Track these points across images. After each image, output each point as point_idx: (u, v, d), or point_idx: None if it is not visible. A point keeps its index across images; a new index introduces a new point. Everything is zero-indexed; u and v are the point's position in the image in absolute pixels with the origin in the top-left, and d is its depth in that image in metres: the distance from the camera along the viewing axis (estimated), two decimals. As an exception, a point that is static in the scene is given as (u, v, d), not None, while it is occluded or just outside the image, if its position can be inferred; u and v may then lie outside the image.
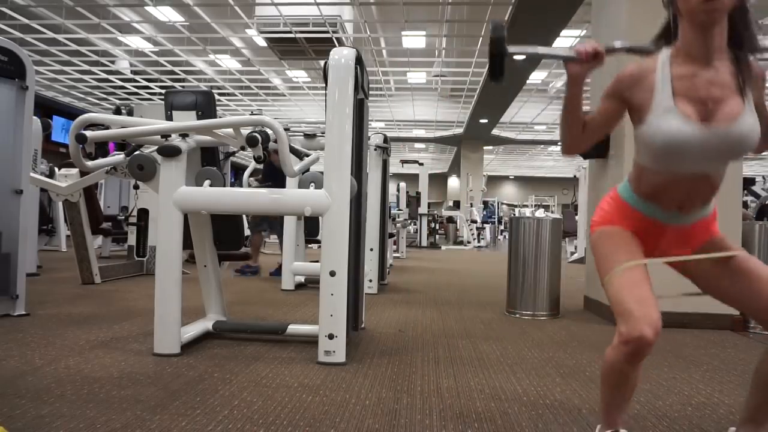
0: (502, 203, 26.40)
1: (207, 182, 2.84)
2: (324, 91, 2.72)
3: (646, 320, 1.29)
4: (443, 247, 14.75)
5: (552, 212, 21.34)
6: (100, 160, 3.90)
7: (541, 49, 1.57)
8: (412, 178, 16.88)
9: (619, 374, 1.41)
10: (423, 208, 13.97)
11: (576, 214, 10.99)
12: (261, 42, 10.58)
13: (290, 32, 9.50)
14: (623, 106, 1.46)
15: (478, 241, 15.60)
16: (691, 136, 1.33)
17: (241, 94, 15.38)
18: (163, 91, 10.73)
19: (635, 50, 1.53)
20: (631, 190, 1.54)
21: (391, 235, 7.81)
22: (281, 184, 4.99)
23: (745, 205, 7.64)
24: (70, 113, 14.90)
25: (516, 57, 1.45)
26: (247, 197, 2.97)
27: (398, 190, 11.99)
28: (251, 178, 6.53)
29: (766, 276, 1.44)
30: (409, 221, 13.23)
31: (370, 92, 3.66)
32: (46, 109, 13.99)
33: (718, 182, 1.45)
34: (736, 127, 1.33)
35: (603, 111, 1.49)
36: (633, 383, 1.45)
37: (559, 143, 1.61)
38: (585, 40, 9.65)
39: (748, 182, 7.81)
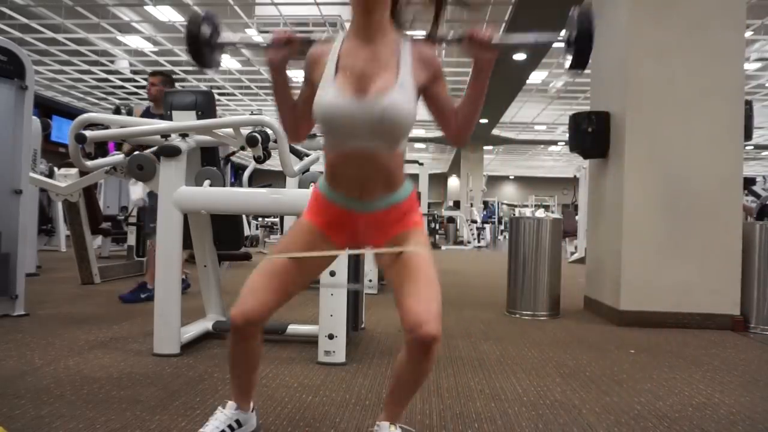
0: (502, 203, 26.40)
1: (207, 182, 2.84)
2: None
3: (243, 307, 1.47)
4: (443, 247, 14.75)
5: (552, 212, 21.34)
6: (100, 160, 3.90)
7: (235, 37, 1.59)
8: (412, 178, 16.85)
9: (232, 351, 1.57)
10: (423, 208, 13.96)
11: (576, 214, 10.98)
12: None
13: (469, 84, 9.51)
14: (313, 88, 1.48)
15: (478, 241, 15.60)
16: (342, 107, 1.38)
17: (241, 94, 15.38)
18: (162, 91, 10.70)
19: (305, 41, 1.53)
20: (324, 180, 1.56)
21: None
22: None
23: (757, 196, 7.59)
24: (70, 113, 14.89)
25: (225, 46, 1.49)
26: (247, 197, 2.97)
27: (398, 190, 11.97)
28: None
29: (414, 281, 1.47)
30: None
31: (370, 92, 3.65)
32: (45, 108, 13.98)
33: (388, 165, 1.47)
34: (382, 100, 1.37)
35: (301, 94, 1.54)
36: (249, 363, 1.60)
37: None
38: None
39: (748, 182, 7.80)
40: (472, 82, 1.47)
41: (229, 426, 1.62)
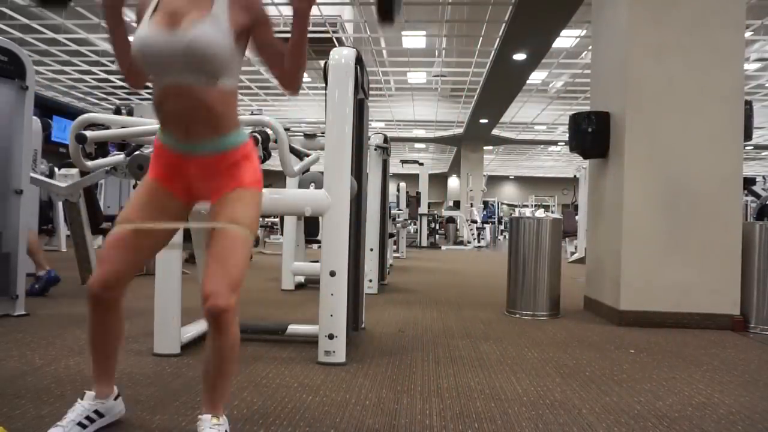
0: (502, 203, 26.40)
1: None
2: (324, 91, 2.72)
3: (97, 275, 1.54)
4: (443, 247, 14.75)
5: (552, 212, 21.34)
6: (100, 160, 3.90)
7: None
8: (412, 178, 16.88)
9: (91, 324, 1.60)
10: (423, 208, 13.96)
11: (576, 214, 10.98)
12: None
13: (290, 32, 9.50)
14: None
15: (478, 241, 15.59)
16: (153, 41, 1.45)
17: (241, 94, 15.38)
18: None
19: None
20: (159, 125, 1.60)
21: (391, 235, 7.80)
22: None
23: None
24: (70, 113, 14.89)
25: None
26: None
27: (398, 190, 11.98)
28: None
29: (216, 257, 1.48)
30: (409, 221, 13.23)
31: (370, 92, 3.66)
32: (46, 109, 13.98)
33: (211, 103, 1.49)
34: (190, 32, 1.43)
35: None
36: (108, 338, 1.63)
37: None
38: (584, 40, 9.66)
39: (748, 182, 7.79)
40: (292, 29, 1.51)
41: (87, 417, 1.63)
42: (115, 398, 1.75)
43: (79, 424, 1.61)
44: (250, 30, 1.53)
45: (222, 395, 1.58)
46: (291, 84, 1.58)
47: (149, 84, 1.60)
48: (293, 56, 1.52)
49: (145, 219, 1.55)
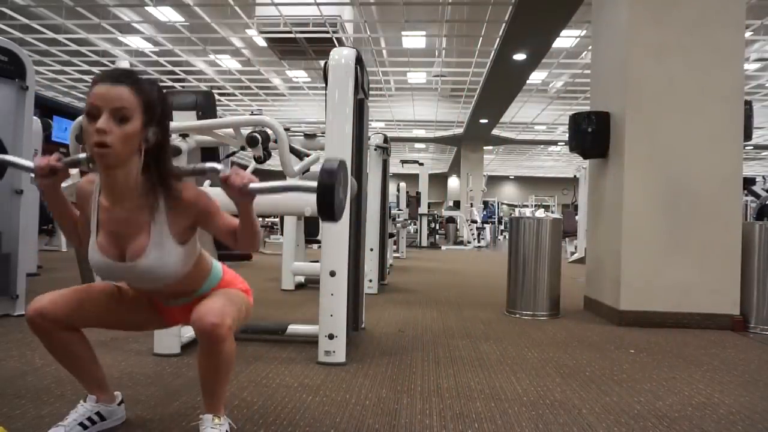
0: (502, 203, 26.39)
1: (207, 182, 2.84)
2: (324, 91, 2.72)
3: (38, 304, 1.51)
4: (443, 247, 14.75)
5: (552, 212, 21.33)
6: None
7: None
8: (412, 178, 16.88)
9: (46, 347, 1.59)
10: (423, 208, 13.97)
11: (576, 214, 10.98)
12: (261, 42, 10.58)
13: (290, 32, 9.51)
14: (86, 217, 1.52)
15: (478, 241, 15.59)
16: (108, 269, 1.46)
17: (241, 94, 15.38)
18: (163, 91, 10.71)
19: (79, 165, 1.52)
20: None
21: (391, 235, 7.80)
22: None
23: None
24: (71, 113, 14.89)
25: None
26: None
27: (398, 190, 11.99)
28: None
29: (206, 299, 1.54)
30: (409, 221, 13.23)
31: (370, 92, 3.66)
32: (46, 109, 13.98)
33: (177, 286, 1.55)
34: (140, 262, 1.43)
35: (78, 215, 1.57)
36: (68, 357, 1.62)
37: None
38: (584, 40, 9.66)
39: (748, 182, 7.80)
40: (240, 216, 1.47)
41: (89, 419, 1.64)
42: (119, 404, 1.75)
43: (81, 424, 1.62)
44: (195, 224, 1.51)
45: (220, 398, 1.58)
46: (247, 248, 1.56)
47: None
48: (244, 230, 1.49)
49: (121, 313, 1.66)
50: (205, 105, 2.97)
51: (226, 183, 1.37)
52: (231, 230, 1.51)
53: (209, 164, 1.47)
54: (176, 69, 12.70)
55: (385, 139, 5.50)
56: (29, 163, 1.51)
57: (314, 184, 1.41)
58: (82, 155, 1.46)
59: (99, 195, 1.45)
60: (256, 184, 1.39)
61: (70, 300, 1.55)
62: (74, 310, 1.55)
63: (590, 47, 5.92)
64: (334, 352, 2.60)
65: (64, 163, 1.45)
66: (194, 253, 1.55)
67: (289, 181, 1.60)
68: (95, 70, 12.83)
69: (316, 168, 3.63)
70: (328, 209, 1.42)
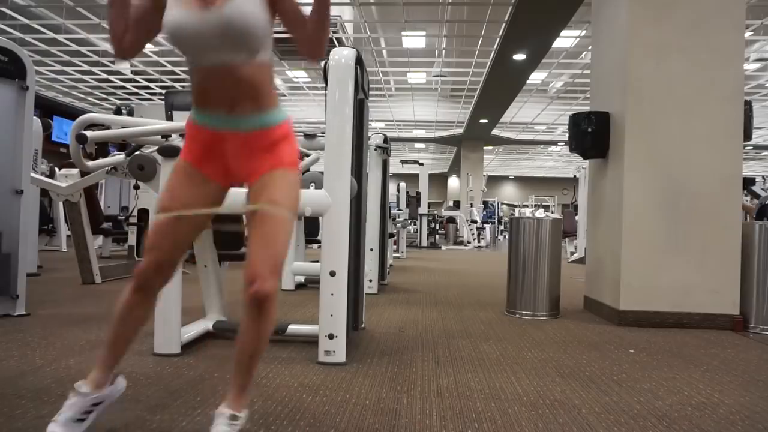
0: (502, 203, 26.39)
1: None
2: (324, 92, 2.72)
3: (147, 262, 1.55)
4: (443, 247, 14.75)
5: (552, 212, 21.34)
6: (101, 160, 3.91)
7: None
8: (412, 178, 16.88)
9: (124, 305, 1.60)
10: (423, 208, 13.97)
11: (576, 214, 10.99)
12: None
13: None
14: (156, 3, 1.49)
15: (478, 241, 15.60)
16: (189, 22, 1.41)
17: (241, 94, 15.35)
18: (163, 91, 10.72)
19: None
20: (193, 106, 1.57)
21: (391, 235, 7.81)
22: None
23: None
24: (71, 113, 14.90)
25: None
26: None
27: (398, 190, 11.99)
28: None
29: (261, 240, 1.48)
30: (409, 221, 13.23)
31: (370, 92, 3.66)
32: (46, 109, 13.99)
33: (252, 78, 1.49)
34: (227, 9, 1.40)
35: (140, 5, 1.52)
36: (131, 324, 1.63)
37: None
38: (584, 40, 9.66)
39: (748, 182, 7.80)
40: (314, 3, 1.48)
41: (86, 411, 1.60)
42: (112, 382, 1.70)
43: (78, 420, 1.59)
44: (274, 1, 1.50)
45: (253, 378, 1.59)
46: (314, 48, 1.53)
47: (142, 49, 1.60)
48: (316, 21, 1.48)
49: (183, 202, 1.55)
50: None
51: None
52: (302, 18, 1.50)
53: None
54: (176, 69, 12.70)
55: (385, 139, 5.50)
56: None
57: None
58: None
59: None
60: None
61: (165, 243, 1.56)
62: (177, 244, 1.58)
63: (590, 47, 5.92)
64: (334, 352, 2.61)
65: None
66: (271, 30, 1.52)
67: None
68: (95, 70, 12.84)
69: (316, 168, 3.63)
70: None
